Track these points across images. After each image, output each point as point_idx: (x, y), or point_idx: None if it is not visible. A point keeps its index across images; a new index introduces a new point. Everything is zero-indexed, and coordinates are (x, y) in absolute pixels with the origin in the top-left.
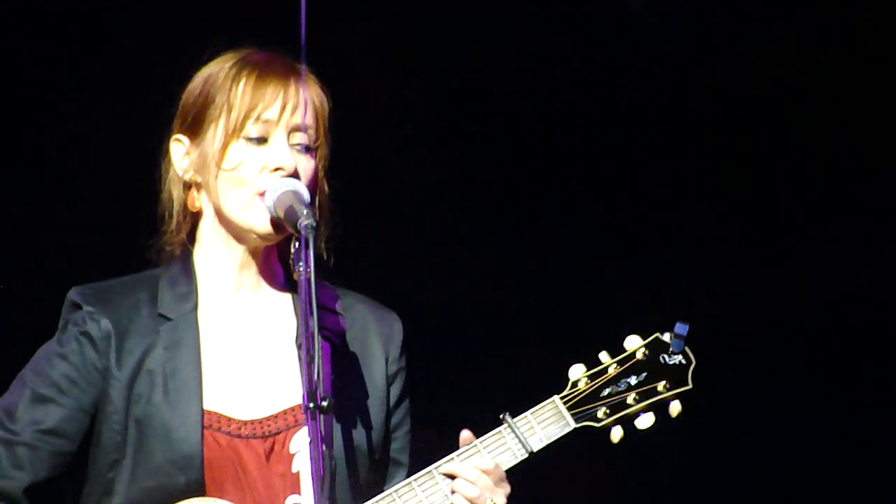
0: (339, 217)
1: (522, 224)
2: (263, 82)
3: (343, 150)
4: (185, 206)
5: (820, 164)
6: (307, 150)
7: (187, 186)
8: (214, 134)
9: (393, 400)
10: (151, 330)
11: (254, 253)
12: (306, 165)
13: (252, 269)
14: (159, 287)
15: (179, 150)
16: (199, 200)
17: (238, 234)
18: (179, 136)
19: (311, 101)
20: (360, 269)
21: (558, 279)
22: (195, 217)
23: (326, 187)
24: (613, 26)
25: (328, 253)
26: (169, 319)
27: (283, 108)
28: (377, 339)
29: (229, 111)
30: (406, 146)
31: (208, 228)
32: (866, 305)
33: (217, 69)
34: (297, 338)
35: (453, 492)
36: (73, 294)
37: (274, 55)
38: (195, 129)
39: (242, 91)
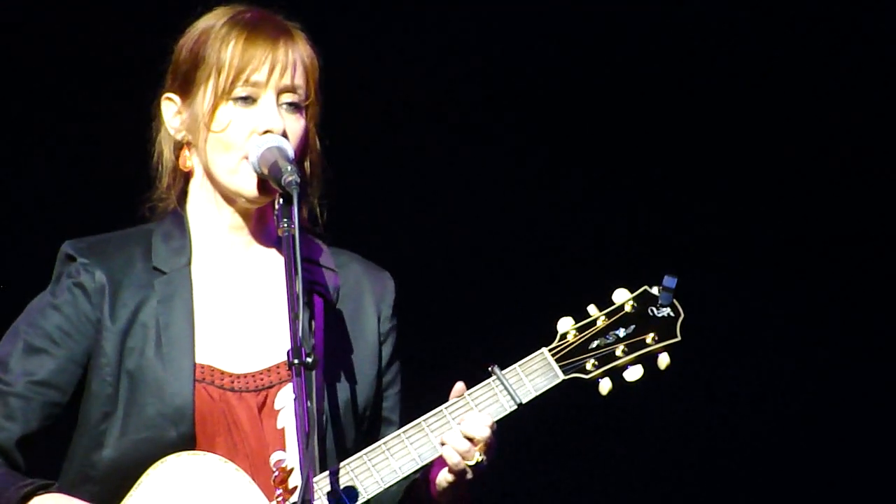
0: (333, 175)
1: (516, 176)
2: (252, 44)
3: (333, 108)
4: (176, 164)
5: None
6: (297, 108)
7: (179, 145)
8: (204, 95)
9: (385, 359)
10: (146, 283)
11: (244, 214)
12: (295, 125)
13: (244, 228)
14: (153, 241)
15: (171, 109)
16: (191, 160)
17: (227, 196)
18: (171, 94)
19: (301, 60)
20: (349, 226)
21: (548, 232)
22: (187, 175)
23: (318, 145)
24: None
25: (321, 210)
26: (163, 273)
27: (272, 69)
28: (370, 298)
29: (218, 73)
30: (396, 100)
31: (198, 188)
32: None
33: (208, 27)
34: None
35: (442, 444)
36: (66, 246)
37: (265, 14)
38: (186, 88)
39: (232, 52)
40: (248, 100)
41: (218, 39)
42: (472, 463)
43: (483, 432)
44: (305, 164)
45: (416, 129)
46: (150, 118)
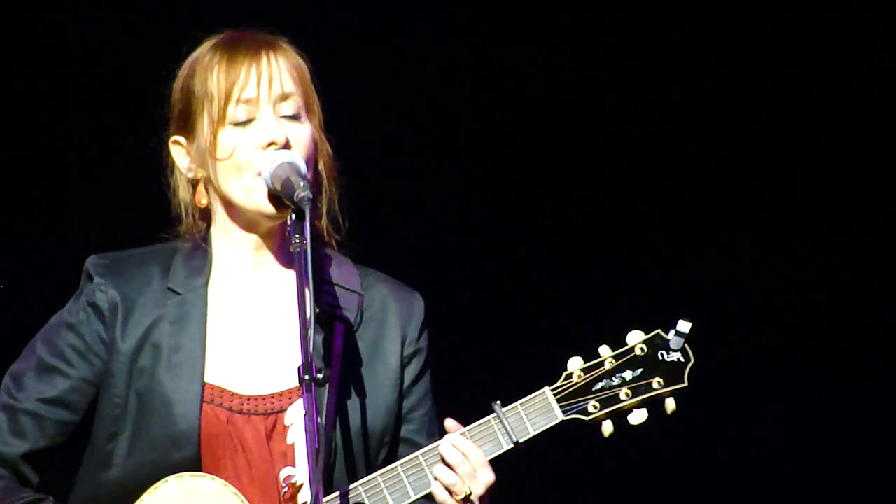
0: (347, 177)
1: (545, 212)
2: (234, 64)
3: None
4: (194, 203)
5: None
6: (297, 116)
7: (194, 184)
8: (203, 128)
9: (407, 381)
10: (159, 304)
11: (268, 235)
12: (300, 133)
13: (268, 251)
14: (174, 261)
15: (180, 151)
16: (206, 196)
17: (249, 219)
18: (176, 136)
19: (289, 67)
20: (369, 255)
21: (576, 269)
22: (209, 210)
23: (329, 147)
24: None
25: (342, 215)
26: (178, 294)
27: (259, 83)
28: (395, 320)
29: (210, 102)
30: (415, 144)
31: (221, 218)
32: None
33: (193, 61)
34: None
35: (435, 478)
36: (88, 263)
37: (246, 32)
38: (186, 126)
39: (217, 78)
40: (247, 121)
41: (202, 69)
42: (460, 497)
43: (454, 457)
44: (320, 167)
45: (428, 157)
46: (164, 166)
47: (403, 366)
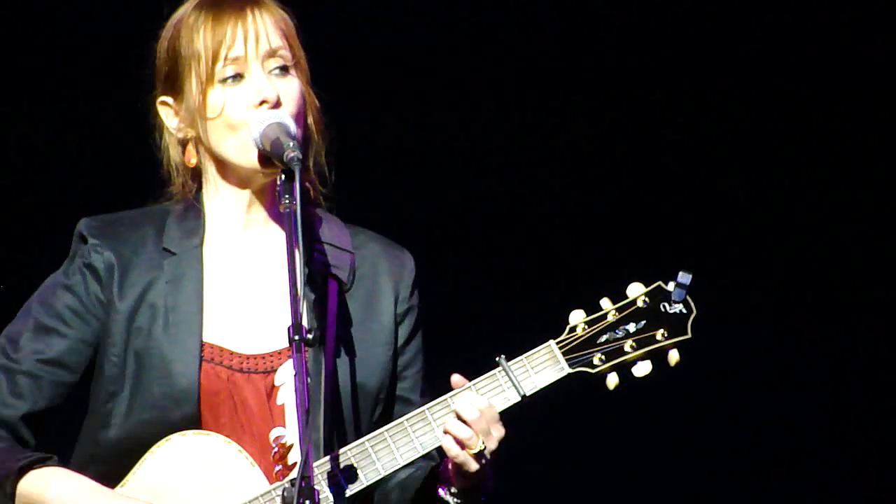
0: (337, 133)
1: (542, 166)
2: (220, 22)
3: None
4: (185, 162)
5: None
6: (286, 71)
7: (184, 144)
8: (191, 88)
9: (401, 339)
10: (155, 264)
11: (260, 192)
12: (289, 87)
13: (260, 208)
14: (168, 222)
15: (168, 112)
16: (196, 155)
17: (242, 176)
18: (163, 97)
19: (274, 22)
20: (366, 209)
21: (569, 222)
22: (199, 169)
23: (316, 100)
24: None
25: (329, 168)
26: (173, 254)
27: (246, 40)
28: (388, 279)
29: (198, 61)
30: (414, 88)
31: (213, 177)
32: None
33: (177, 21)
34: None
35: (445, 432)
36: (81, 225)
37: None
38: (174, 87)
39: (203, 38)
40: (237, 77)
41: (188, 29)
42: (474, 451)
43: (472, 413)
44: (308, 121)
45: (431, 115)
46: (152, 127)
47: (397, 324)
